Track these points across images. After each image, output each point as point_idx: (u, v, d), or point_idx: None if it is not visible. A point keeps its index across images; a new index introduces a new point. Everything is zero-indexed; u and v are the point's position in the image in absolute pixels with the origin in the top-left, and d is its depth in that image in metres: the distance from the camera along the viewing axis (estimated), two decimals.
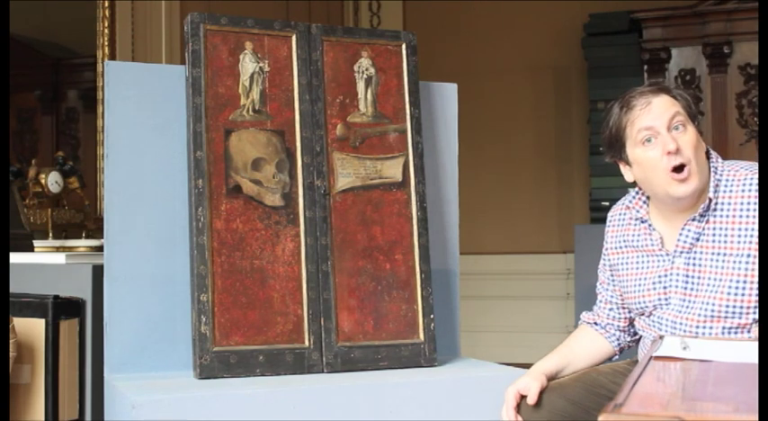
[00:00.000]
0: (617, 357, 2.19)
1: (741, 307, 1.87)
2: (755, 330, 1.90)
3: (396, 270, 2.31)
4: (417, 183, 2.37)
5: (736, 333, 1.90)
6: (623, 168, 2.02)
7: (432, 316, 2.31)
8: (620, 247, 2.10)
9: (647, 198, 2.04)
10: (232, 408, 1.95)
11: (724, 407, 1.20)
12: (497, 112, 5.75)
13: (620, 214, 2.13)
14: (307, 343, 2.19)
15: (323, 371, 2.19)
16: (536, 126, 5.74)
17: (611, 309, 2.15)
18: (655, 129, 1.91)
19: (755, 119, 4.62)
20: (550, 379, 2.00)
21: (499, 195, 5.76)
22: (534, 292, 5.64)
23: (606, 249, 2.15)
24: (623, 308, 2.13)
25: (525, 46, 5.72)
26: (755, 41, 4.33)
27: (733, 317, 1.88)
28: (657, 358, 1.59)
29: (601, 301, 2.18)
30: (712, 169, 1.95)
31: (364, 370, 2.23)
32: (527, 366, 2.34)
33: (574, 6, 5.45)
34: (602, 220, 5.24)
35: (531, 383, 1.95)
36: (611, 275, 2.14)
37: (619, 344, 2.17)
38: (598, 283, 2.20)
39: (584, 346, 2.15)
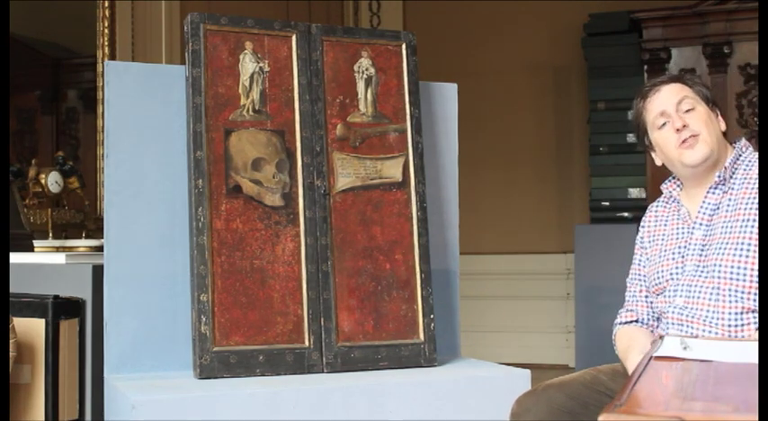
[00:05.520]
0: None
1: (745, 268, 1.94)
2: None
3: (396, 270, 2.31)
4: (417, 183, 2.37)
5: (742, 298, 1.95)
6: (652, 154, 2.17)
7: (432, 316, 2.31)
8: (654, 226, 2.20)
9: (681, 182, 2.17)
10: (232, 408, 1.95)
11: (724, 407, 1.20)
12: (497, 113, 5.75)
13: (657, 204, 2.24)
14: (307, 343, 2.19)
15: (323, 371, 2.19)
16: (536, 126, 5.74)
17: (646, 296, 2.19)
18: (666, 112, 2.08)
19: (755, 119, 4.62)
20: None
21: (499, 195, 5.76)
22: (534, 292, 5.64)
23: (642, 236, 2.23)
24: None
25: (525, 46, 5.72)
26: (755, 41, 4.32)
27: (737, 280, 1.95)
28: (657, 358, 1.59)
29: (635, 295, 2.21)
30: (736, 148, 2.08)
31: (364, 370, 2.23)
32: (527, 366, 2.35)
33: (574, 6, 5.45)
34: (603, 220, 5.25)
35: None
36: (646, 260, 2.20)
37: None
38: (630, 278, 2.24)
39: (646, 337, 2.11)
